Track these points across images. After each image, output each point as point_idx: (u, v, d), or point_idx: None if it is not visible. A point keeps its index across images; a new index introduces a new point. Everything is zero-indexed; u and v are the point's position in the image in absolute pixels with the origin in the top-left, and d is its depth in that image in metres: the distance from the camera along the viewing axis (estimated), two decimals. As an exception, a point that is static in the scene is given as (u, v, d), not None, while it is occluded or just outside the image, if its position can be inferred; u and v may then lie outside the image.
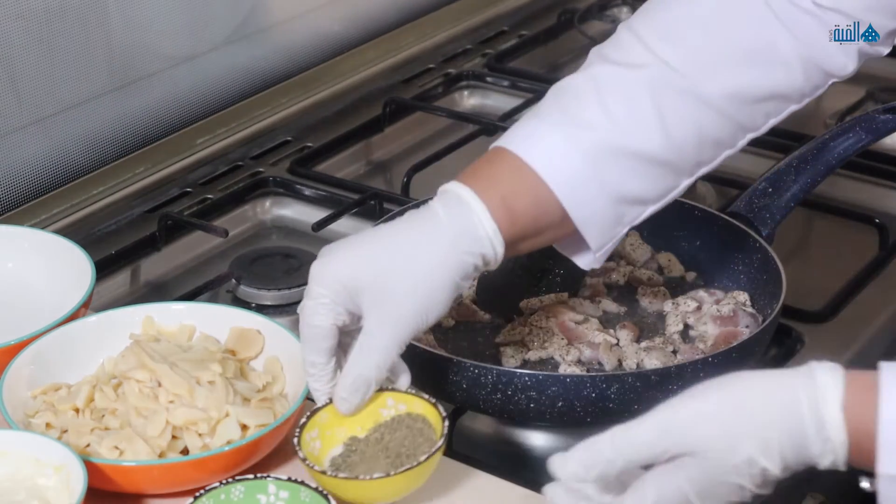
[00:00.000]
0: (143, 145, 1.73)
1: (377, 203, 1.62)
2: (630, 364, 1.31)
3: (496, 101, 1.93)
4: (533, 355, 1.33)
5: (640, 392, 1.21)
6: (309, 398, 1.18)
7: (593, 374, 1.28)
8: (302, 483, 1.09)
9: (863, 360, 1.39)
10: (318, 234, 1.58)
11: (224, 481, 1.10)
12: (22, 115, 1.60)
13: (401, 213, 1.42)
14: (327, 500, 1.08)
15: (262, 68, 1.88)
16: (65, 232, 1.52)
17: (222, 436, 1.17)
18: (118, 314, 1.30)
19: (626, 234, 1.23)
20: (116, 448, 1.15)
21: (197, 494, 1.10)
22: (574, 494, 1.01)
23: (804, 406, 0.96)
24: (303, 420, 1.15)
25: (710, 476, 0.97)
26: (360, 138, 1.81)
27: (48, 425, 1.19)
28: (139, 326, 1.29)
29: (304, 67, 1.92)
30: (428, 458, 1.10)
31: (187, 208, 1.64)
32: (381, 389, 1.16)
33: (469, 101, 1.96)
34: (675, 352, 1.32)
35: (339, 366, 1.16)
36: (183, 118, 1.78)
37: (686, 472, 0.97)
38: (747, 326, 1.33)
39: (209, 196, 1.67)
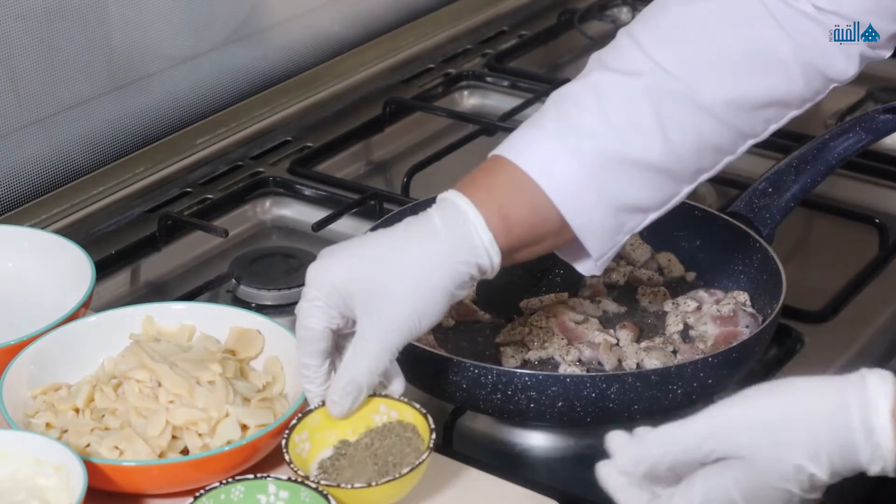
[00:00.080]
0: (143, 145, 1.73)
1: (377, 203, 1.62)
2: (630, 364, 1.31)
3: (496, 101, 1.93)
4: (533, 355, 1.33)
5: (640, 392, 1.22)
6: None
7: (593, 374, 1.28)
8: (302, 483, 1.09)
9: (863, 360, 1.39)
10: (318, 234, 1.58)
11: (224, 481, 1.11)
12: (22, 115, 1.60)
13: (401, 214, 1.43)
14: (327, 500, 1.08)
15: (262, 68, 1.88)
16: (65, 232, 1.52)
17: (222, 436, 1.17)
18: (118, 314, 1.30)
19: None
20: (116, 448, 1.15)
21: (197, 494, 1.10)
22: (626, 478, 1.01)
23: (854, 413, 0.95)
24: (293, 422, 1.15)
25: (756, 480, 0.97)
26: (360, 138, 1.81)
27: (48, 425, 1.19)
28: (139, 326, 1.29)
29: (304, 67, 1.92)
30: (410, 470, 1.10)
31: (187, 208, 1.64)
32: (375, 395, 1.17)
33: (469, 101, 1.96)
34: (675, 352, 1.32)
35: (333, 368, 1.16)
36: (183, 118, 1.78)
37: (733, 474, 0.97)
38: (747, 326, 1.33)
39: (209, 196, 1.67)
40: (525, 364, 1.32)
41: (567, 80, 1.84)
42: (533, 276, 1.44)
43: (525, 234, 1.16)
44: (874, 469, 0.96)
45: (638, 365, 1.31)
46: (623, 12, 2.17)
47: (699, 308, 1.38)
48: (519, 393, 1.22)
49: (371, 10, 2.02)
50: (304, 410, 1.16)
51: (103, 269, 1.49)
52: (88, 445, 1.16)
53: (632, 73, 1.17)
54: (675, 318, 1.37)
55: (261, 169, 1.73)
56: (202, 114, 1.80)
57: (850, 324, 1.44)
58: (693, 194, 1.23)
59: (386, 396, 1.17)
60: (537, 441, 1.30)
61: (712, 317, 1.35)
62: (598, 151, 1.16)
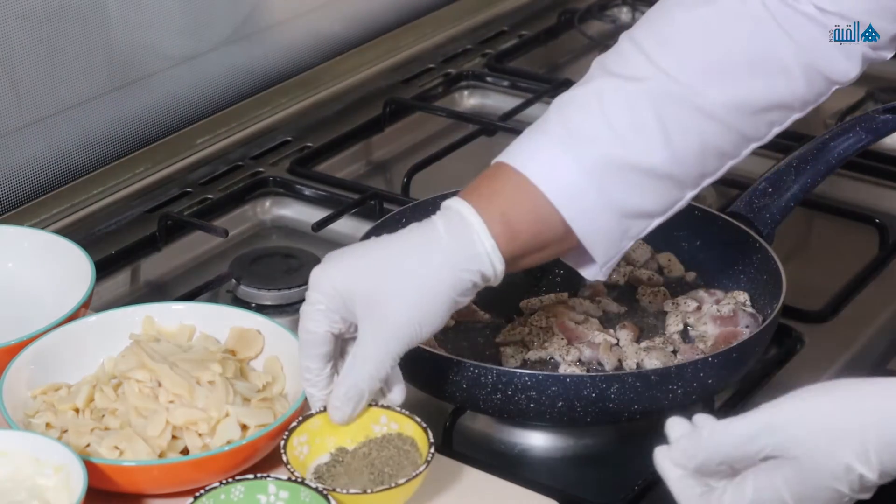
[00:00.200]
0: (143, 145, 1.73)
1: (377, 203, 1.62)
2: (630, 364, 1.31)
3: (496, 101, 1.93)
4: (533, 355, 1.33)
5: (640, 392, 1.22)
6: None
7: (593, 374, 1.28)
8: (302, 483, 1.09)
9: (863, 360, 1.39)
10: (318, 234, 1.58)
11: (224, 481, 1.10)
12: (22, 115, 1.60)
13: (401, 214, 1.44)
14: (327, 500, 1.08)
15: (262, 68, 1.88)
16: (65, 232, 1.52)
17: (222, 436, 1.17)
18: (118, 314, 1.30)
19: None
20: (116, 448, 1.15)
21: (197, 494, 1.10)
22: (681, 470, 1.01)
23: None
24: (294, 424, 1.15)
25: (806, 479, 0.97)
26: (360, 138, 1.81)
27: (48, 425, 1.19)
28: (139, 326, 1.29)
29: (304, 67, 1.92)
30: (406, 481, 1.10)
31: (187, 208, 1.64)
32: (377, 406, 1.17)
33: (469, 101, 1.96)
34: (675, 352, 1.32)
35: (336, 372, 1.16)
36: (183, 118, 1.78)
37: (783, 473, 0.97)
38: (747, 326, 1.33)
39: (209, 196, 1.67)
40: (525, 364, 1.32)
41: (567, 80, 1.86)
42: (533, 276, 1.44)
43: (529, 241, 1.16)
44: None
45: (638, 365, 1.31)
46: (623, 12, 2.17)
47: (699, 308, 1.38)
48: (519, 393, 1.22)
49: (371, 10, 2.02)
50: (305, 414, 1.16)
51: (103, 269, 1.49)
52: (88, 445, 1.16)
53: (634, 78, 1.17)
54: (675, 318, 1.37)
55: (261, 169, 1.73)
56: (202, 114, 1.80)
57: (850, 324, 1.44)
58: (693, 195, 1.23)
59: (388, 408, 1.17)
60: (537, 441, 1.30)
61: (712, 317, 1.35)
62: (602, 157, 1.15)
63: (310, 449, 1.16)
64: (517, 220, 1.15)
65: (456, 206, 1.16)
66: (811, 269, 1.55)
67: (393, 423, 1.16)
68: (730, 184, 1.62)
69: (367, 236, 1.37)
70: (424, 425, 1.15)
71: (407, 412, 1.16)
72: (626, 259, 1.46)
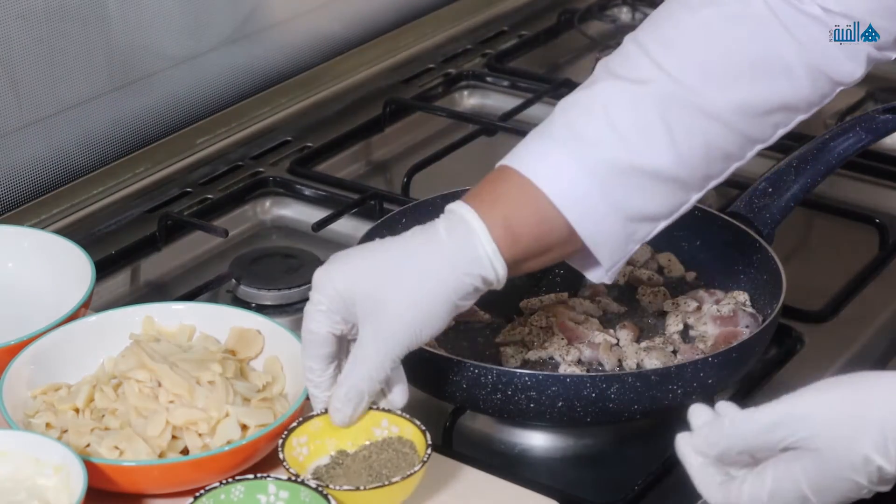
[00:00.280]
0: (143, 145, 1.73)
1: (377, 203, 1.62)
2: (630, 364, 1.31)
3: (496, 101, 1.93)
4: (533, 355, 1.33)
5: (640, 392, 1.22)
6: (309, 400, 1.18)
7: (593, 374, 1.28)
8: (302, 483, 1.09)
9: (863, 359, 1.39)
10: (318, 234, 1.58)
11: (224, 481, 1.10)
12: (22, 115, 1.60)
13: (401, 214, 1.44)
14: (327, 500, 1.08)
15: (262, 68, 1.88)
16: (65, 232, 1.52)
17: (222, 436, 1.17)
18: (118, 314, 1.30)
19: None
20: (116, 448, 1.15)
21: (197, 494, 1.10)
22: (702, 458, 1.01)
23: None
24: (294, 424, 1.15)
25: (825, 470, 0.97)
26: (360, 138, 1.81)
27: (48, 425, 1.19)
28: (139, 326, 1.29)
29: (304, 67, 1.92)
30: (401, 479, 1.10)
31: (187, 208, 1.64)
32: (379, 410, 1.16)
33: (469, 101, 1.96)
34: (675, 352, 1.32)
35: (339, 373, 1.16)
36: (183, 118, 1.78)
37: (802, 464, 0.97)
38: (747, 326, 1.33)
39: (209, 196, 1.67)
40: (525, 364, 1.32)
41: (567, 81, 1.86)
42: (533, 277, 1.43)
43: (531, 245, 1.16)
44: None
45: (638, 365, 1.31)
46: (623, 12, 2.17)
47: (699, 308, 1.38)
48: (519, 393, 1.22)
49: (371, 10, 2.02)
50: (305, 414, 1.16)
51: (103, 269, 1.49)
52: (88, 445, 1.16)
53: (639, 81, 1.17)
54: (675, 318, 1.37)
55: (261, 169, 1.73)
56: (202, 114, 1.80)
57: (850, 324, 1.44)
58: (693, 195, 1.23)
59: (389, 412, 1.17)
60: (537, 441, 1.30)
61: (712, 317, 1.35)
62: (607, 160, 1.15)
63: (309, 451, 1.15)
64: (519, 223, 1.15)
65: (458, 210, 1.16)
66: (811, 269, 1.55)
67: (394, 426, 1.16)
68: (730, 184, 1.61)
69: (366, 236, 1.37)
70: (423, 428, 1.15)
71: (407, 416, 1.16)
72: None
